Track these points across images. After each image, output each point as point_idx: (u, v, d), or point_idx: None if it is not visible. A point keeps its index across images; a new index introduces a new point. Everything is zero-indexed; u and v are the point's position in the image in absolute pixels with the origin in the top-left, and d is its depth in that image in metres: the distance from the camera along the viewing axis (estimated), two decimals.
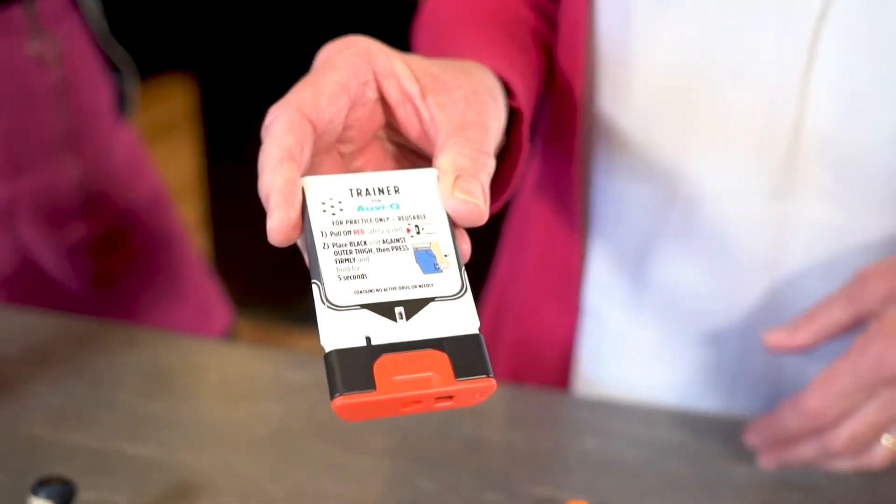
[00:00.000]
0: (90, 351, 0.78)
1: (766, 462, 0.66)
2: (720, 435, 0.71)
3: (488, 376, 0.41)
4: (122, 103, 1.05)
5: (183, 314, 1.11)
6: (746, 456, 0.69)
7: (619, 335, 0.77)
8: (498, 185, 0.54)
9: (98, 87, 1.02)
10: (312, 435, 0.70)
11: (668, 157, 0.68)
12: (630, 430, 0.72)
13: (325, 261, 0.42)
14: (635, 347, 0.77)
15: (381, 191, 0.45)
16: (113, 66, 1.03)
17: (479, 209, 0.44)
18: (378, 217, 0.44)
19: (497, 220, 0.76)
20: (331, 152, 0.48)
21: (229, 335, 1.23)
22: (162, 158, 1.20)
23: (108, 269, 1.04)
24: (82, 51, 0.99)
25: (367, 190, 0.45)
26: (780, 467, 0.66)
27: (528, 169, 0.82)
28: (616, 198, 0.72)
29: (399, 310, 0.42)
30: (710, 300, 0.72)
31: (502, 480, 0.67)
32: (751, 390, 0.74)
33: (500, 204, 0.54)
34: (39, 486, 0.56)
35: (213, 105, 2.31)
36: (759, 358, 0.72)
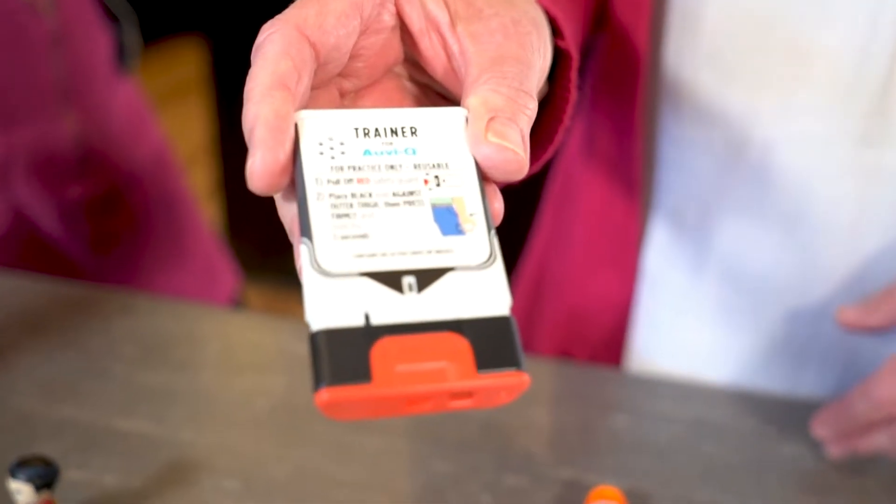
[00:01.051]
0: (83, 318, 0.74)
1: (835, 451, 0.61)
2: (761, 413, 0.66)
3: (519, 369, 0.33)
4: (122, 56, 1.00)
5: (187, 280, 1.07)
6: (789, 435, 0.64)
7: (680, 300, 0.71)
8: (540, 139, 0.47)
9: (96, 39, 0.97)
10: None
11: (741, 98, 0.62)
12: (662, 407, 0.67)
13: (319, 215, 0.34)
14: (697, 314, 0.71)
15: (394, 132, 0.37)
16: (112, 18, 0.98)
17: (517, 157, 0.36)
18: (389, 164, 0.36)
19: (535, 182, 0.70)
20: (329, 87, 0.40)
21: (237, 303, 1.18)
22: (174, 123, 1.15)
23: (107, 232, 1.00)
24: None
25: (376, 130, 0.37)
26: (848, 455, 0.61)
27: (573, 126, 0.76)
28: (683, 144, 0.66)
29: (408, 280, 0.34)
30: (782, 264, 0.66)
31: (524, 462, 0.61)
32: (821, 368, 0.68)
33: (541, 162, 0.47)
34: (18, 467, 0.51)
35: (226, 69, 2.27)
36: (833, 332, 0.66)
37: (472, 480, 0.60)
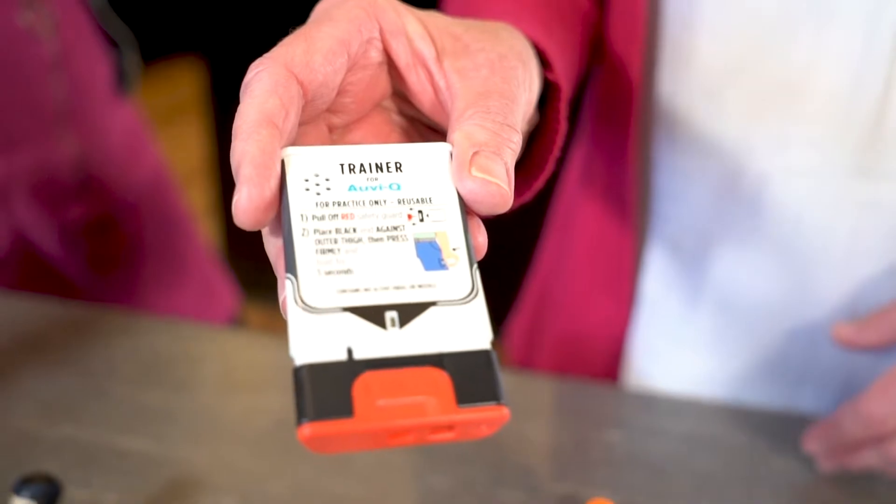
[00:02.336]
0: (83, 338, 0.75)
1: (826, 467, 0.62)
2: (753, 428, 0.67)
3: (499, 403, 0.33)
4: (122, 80, 1.01)
5: (186, 300, 1.07)
6: (782, 449, 0.65)
7: (677, 324, 0.72)
8: (531, 169, 0.48)
9: (95, 62, 0.98)
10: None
11: (736, 129, 0.63)
12: (656, 422, 0.68)
13: (303, 251, 0.35)
14: (694, 339, 0.71)
15: (378, 167, 0.37)
16: (112, 42, 0.99)
17: (501, 191, 0.36)
18: (373, 199, 0.36)
19: (539, 209, 0.71)
20: (318, 123, 0.40)
21: (236, 322, 1.19)
22: (171, 143, 1.16)
23: (107, 253, 1.00)
24: (78, 23, 0.95)
25: (361, 166, 0.37)
26: (840, 470, 0.62)
27: (574, 154, 0.77)
28: (678, 174, 0.67)
29: (391, 315, 0.34)
30: (778, 289, 0.67)
31: (520, 477, 0.62)
32: (818, 392, 0.69)
33: (533, 191, 0.48)
34: (22, 485, 0.52)
35: (223, 89, 2.28)
36: (830, 354, 0.67)
37: (468, 495, 0.61)
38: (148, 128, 1.08)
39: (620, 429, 0.67)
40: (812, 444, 0.62)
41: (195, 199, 2.43)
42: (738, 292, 0.68)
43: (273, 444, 0.65)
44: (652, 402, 0.70)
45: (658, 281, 0.72)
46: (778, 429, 0.67)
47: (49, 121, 0.93)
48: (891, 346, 0.60)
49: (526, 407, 0.69)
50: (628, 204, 0.69)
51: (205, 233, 1.28)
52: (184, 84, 2.79)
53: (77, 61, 0.94)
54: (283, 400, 0.69)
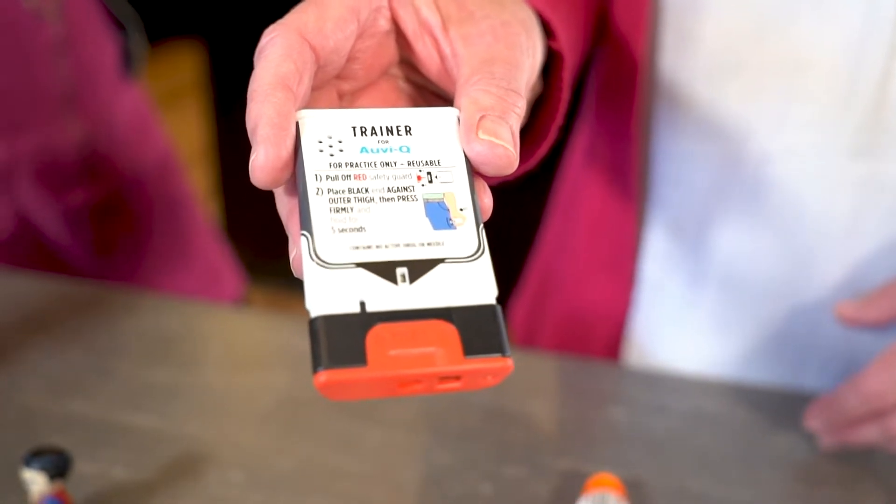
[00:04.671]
0: (89, 317, 0.75)
1: (828, 443, 0.62)
2: (755, 405, 0.68)
3: (503, 355, 0.35)
4: (128, 62, 1.01)
5: (191, 283, 1.08)
6: (782, 426, 0.65)
7: (679, 306, 0.72)
8: (534, 137, 0.49)
9: (101, 45, 0.98)
10: (322, 406, 0.66)
11: (737, 111, 0.63)
12: (658, 399, 0.68)
13: (318, 209, 0.36)
14: (696, 320, 0.72)
15: (389, 130, 0.39)
16: (118, 24, 0.99)
17: (507, 153, 0.38)
18: (384, 161, 0.38)
19: (543, 189, 0.71)
20: (328, 89, 0.42)
21: (241, 304, 1.19)
22: (171, 126, 1.16)
23: (111, 236, 1.01)
24: (84, 6, 0.95)
25: (373, 129, 0.39)
26: (840, 447, 0.62)
27: (579, 135, 0.78)
28: (679, 158, 0.68)
29: (402, 271, 0.36)
30: (780, 270, 0.67)
31: (524, 453, 0.63)
32: (820, 368, 0.69)
33: (536, 158, 0.49)
34: (32, 458, 0.53)
35: (223, 72, 2.28)
36: (832, 333, 0.67)
37: (472, 471, 0.61)
38: (154, 111, 1.08)
39: (622, 406, 0.68)
40: (813, 420, 0.63)
41: (195, 183, 2.43)
42: (740, 272, 0.68)
43: (278, 421, 0.66)
44: (654, 380, 0.71)
45: (659, 262, 0.72)
46: (779, 406, 0.68)
47: (55, 104, 0.93)
48: (892, 324, 0.61)
49: (529, 385, 0.70)
50: (630, 184, 0.69)
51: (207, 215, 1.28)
52: (184, 68, 2.79)
53: (83, 44, 0.94)
54: (288, 378, 0.70)
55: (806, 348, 0.69)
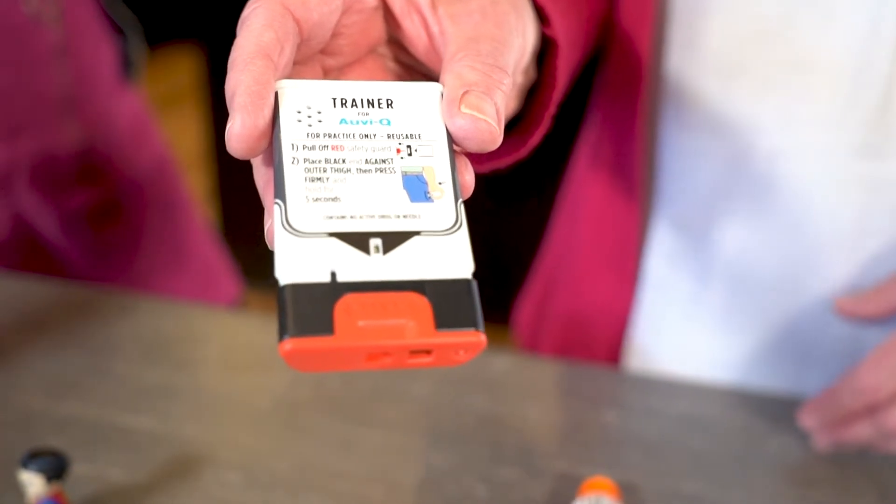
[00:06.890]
0: (87, 319, 0.75)
1: (822, 441, 0.63)
2: (747, 408, 0.68)
3: (476, 329, 0.34)
4: (127, 67, 1.01)
5: (187, 285, 1.08)
6: (776, 429, 0.66)
7: (684, 304, 0.72)
8: (528, 126, 0.49)
9: (100, 50, 0.98)
10: (319, 407, 0.67)
11: (744, 109, 0.64)
12: (650, 403, 0.69)
13: (293, 178, 0.35)
14: (700, 317, 0.72)
15: (370, 103, 0.38)
16: (117, 29, 0.99)
17: (489, 128, 0.37)
18: (363, 133, 0.37)
19: (549, 194, 0.71)
20: (313, 64, 0.41)
21: (237, 306, 1.19)
22: (169, 130, 1.16)
23: (109, 240, 1.01)
24: (83, 11, 0.95)
25: (353, 101, 0.38)
26: (835, 446, 0.63)
27: (585, 138, 0.78)
28: (686, 155, 0.68)
29: (375, 242, 0.35)
30: (786, 268, 0.67)
31: (518, 455, 0.63)
32: (824, 371, 0.69)
33: (528, 148, 0.49)
34: (30, 459, 0.53)
35: (221, 75, 2.26)
36: (837, 332, 0.68)
37: (468, 473, 0.62)
38: (152, 115, 1.08)
39: (617, 409, 0.68)
40: (808, 418, 0.63)
41: (192, 187, 2.43)
42: (745, 270, 0.69)
43: (275, 422, 0.66)
44: (648, 384, 0.71)
45: (664, 260, 0.72)
46: (773, 411, 0.68)
47: (53, 108, 0.93)
48: (890, 318, 0.61)
49: (525, 388, 0.70)
50: (635, 183, 0.69)
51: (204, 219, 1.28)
52: (182, 71, 2.79)
53: (82, 48, 0.95)
54: (284, 379, 0.70)
55: (810, 347, 0.69)
